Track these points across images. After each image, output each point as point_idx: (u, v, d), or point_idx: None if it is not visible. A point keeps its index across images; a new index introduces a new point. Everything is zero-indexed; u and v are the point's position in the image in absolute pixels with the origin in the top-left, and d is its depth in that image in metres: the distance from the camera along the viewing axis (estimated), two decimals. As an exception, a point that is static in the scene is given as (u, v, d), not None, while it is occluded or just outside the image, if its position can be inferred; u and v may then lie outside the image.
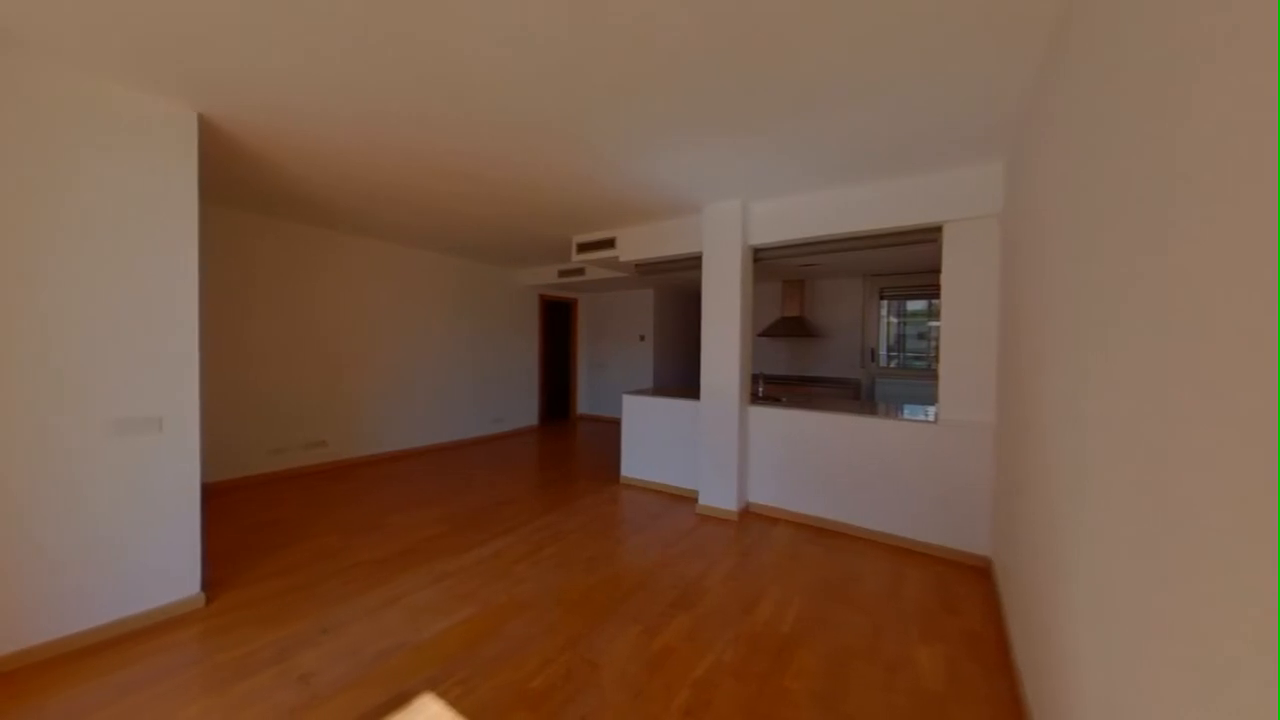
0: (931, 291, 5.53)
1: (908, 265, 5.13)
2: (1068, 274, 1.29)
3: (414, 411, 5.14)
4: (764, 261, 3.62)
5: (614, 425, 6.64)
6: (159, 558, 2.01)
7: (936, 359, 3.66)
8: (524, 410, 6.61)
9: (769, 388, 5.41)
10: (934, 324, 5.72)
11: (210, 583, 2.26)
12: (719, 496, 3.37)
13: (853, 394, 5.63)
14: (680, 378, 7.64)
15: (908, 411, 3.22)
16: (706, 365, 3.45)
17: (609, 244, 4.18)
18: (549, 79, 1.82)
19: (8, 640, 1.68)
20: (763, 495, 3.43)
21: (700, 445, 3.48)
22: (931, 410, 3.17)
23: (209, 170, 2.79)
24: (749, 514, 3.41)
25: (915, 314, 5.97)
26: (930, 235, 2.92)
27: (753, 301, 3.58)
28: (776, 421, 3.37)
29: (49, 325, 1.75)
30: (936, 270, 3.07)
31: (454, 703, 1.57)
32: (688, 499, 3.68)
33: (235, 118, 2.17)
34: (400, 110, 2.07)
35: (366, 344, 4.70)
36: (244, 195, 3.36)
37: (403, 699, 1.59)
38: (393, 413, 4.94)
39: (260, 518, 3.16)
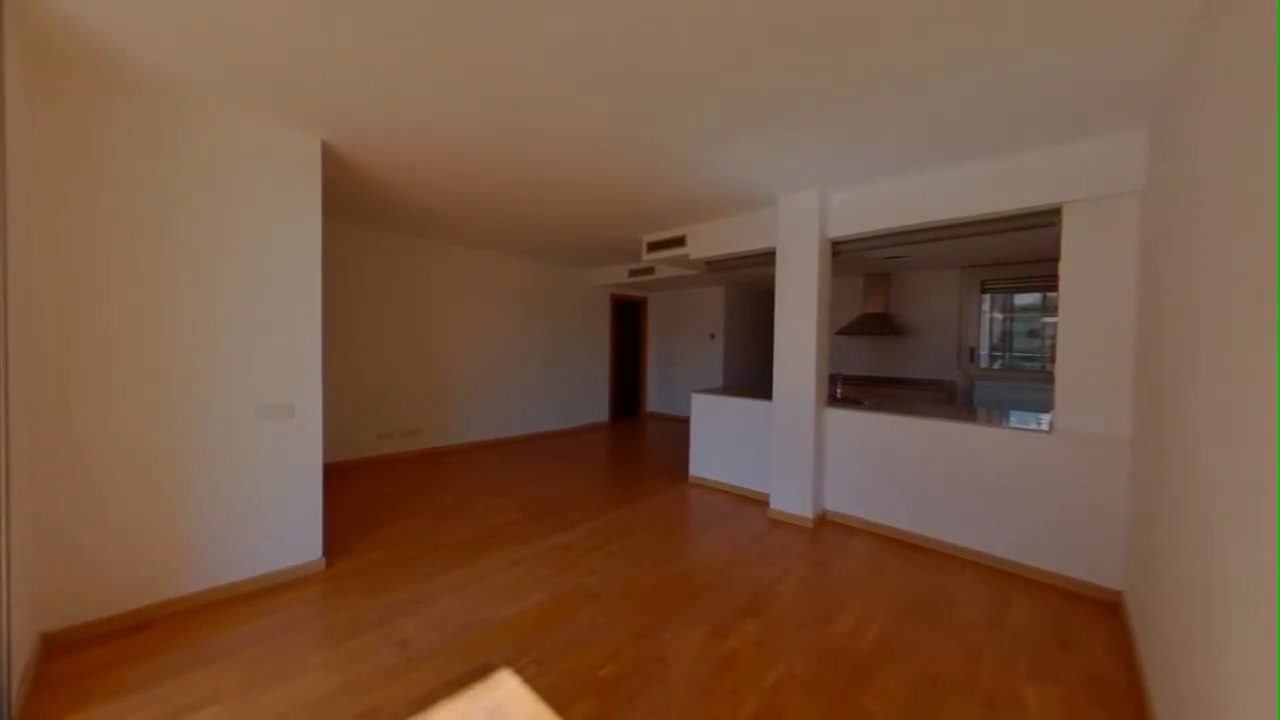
0: (1046, 283, 4.86)
1: (1016, 254, 4.55)
2: (1239, 261, 1.06)
3: (493, 405, 5.51)
4: (844, 255, 3.41)
5: (683, 424, 6.61)
6: (291, 525, 2.34)
7: (1052, 360, 3.22)
8: (595, 407, 6.81)
9: (848, 388, 5.08)
10: (1049, 320, 5.02)
11: (328, 550, 2.58)
12: (792, 501, 3.24)
13: (946, 397, 5.11)
14: (751, 377, 7.44)
15: (1015, 419, 2.86)
16: (780, 364, 3.32)
17: (679, 242, 4.16)
18: (617, 80, 1.85)
19: (179, 585, 2.05)
20: (840, 503, 3.23)
21: (772, 447, 3.36)
22: (1045, 418, 2.79)
23: (326, 189, 3.19)
24: (825, 521, 3.23)
25: (1025, 309, 5.29)
26: (1046, 219, 2.56)
27: (831, 297, 3.38)
28: (856, 425, 3.16)
29: (211, 327, 2.11)
30: (1052, 259, 2.70)
31: (529, 681, 1.66)
32: (758, 502, 3.57)
33: (348, 141, 2.46)
34: (479, 121, 2.22)
35: (453, 342, 5.12)
36: (352, 209, 3.80)
37: (483, 671, 1.71)
38: (475, 406, 5.32)
39: (367, 496, 3.56)
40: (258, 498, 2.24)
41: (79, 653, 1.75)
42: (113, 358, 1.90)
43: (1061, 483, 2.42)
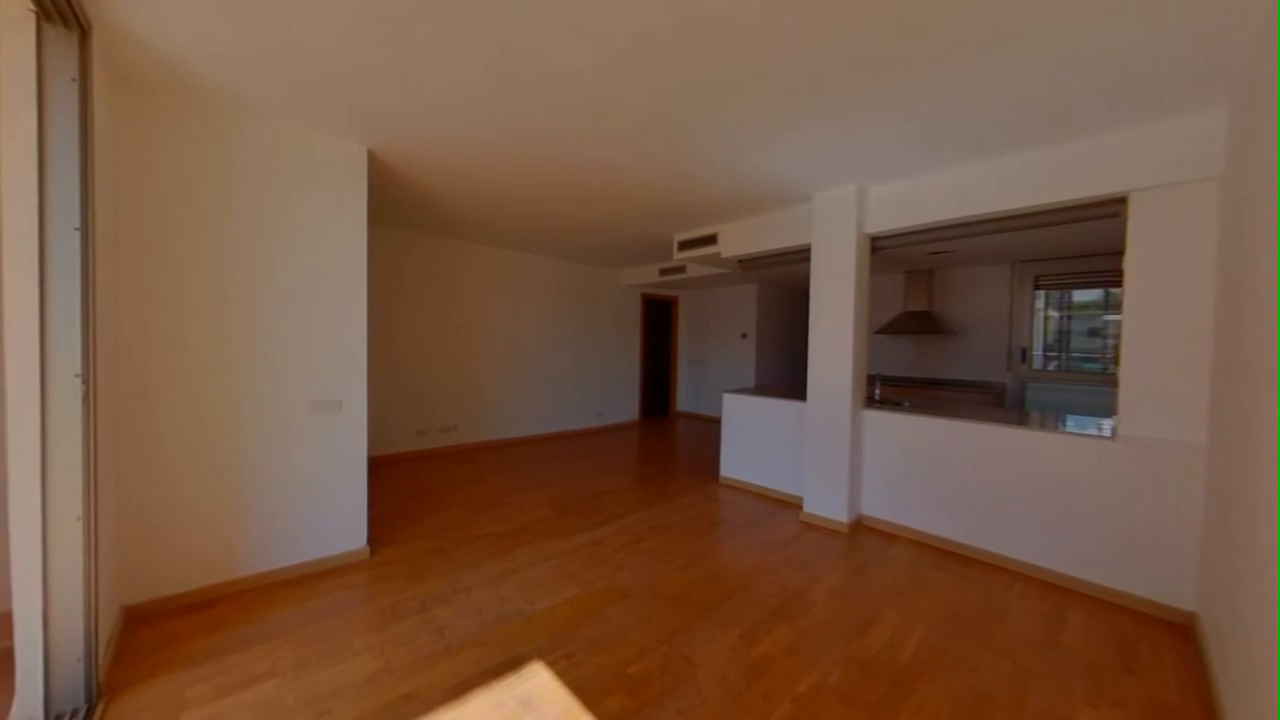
0: (1108, 278, 4.52)
1: (1075, 247, 4.25)
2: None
3: (525, 403, 5.63)
4: (883, 251, 3.29)
5: (713, 424, 6.55)
6: (339, 514, 2.47)
7: (1115, 361, 2.99)
8: (625, 406, 6.85)
9: (887, 390, 4.89)
10: (1112, 318, 4.67)
11: (372, 539, 2.71)
12: (826, 505, 3.15)
13: (995, 400, 4.84)
14: (785, 376, 7.28)
15: (1073, 424, 2.68)
16: (815, 364, 3.23)
17: (710, 240, 4.13)
18: (652, 79, 1.86)
19: (241, 567, 2.20)
20: (878, 508, 3.12)
21: (807, 449, 3.28)
22: (1107, 424, 2.60)
23: (370, 194, 3.35)
24: (861, 527, 3.13)
25: (1085, 306, 4.93)
26: (1110, 209, 2.39)
27: (869, 295, 3.27)
28: (896, 428, 3.05)
29: (268, 328, 2.25)
30: (1116, 252, 2.51)
31: (560, 674, 1.69)
32: (791, 505, 3.49)
33: (391, 149, 2.57)
34: (517, 127, 2.27)
35: (488, 341, 5.26)
36: (395, 214, 3.97)
37: (517, 662, 1.75)
38: (508, 403, 5.46)
39: (407, 489, 3.72)
40: (310, 488, 2.38)
41: (154, 625, 1.92)
42: (184, 359, 2.06)
43: (1125, 493, 2.25)
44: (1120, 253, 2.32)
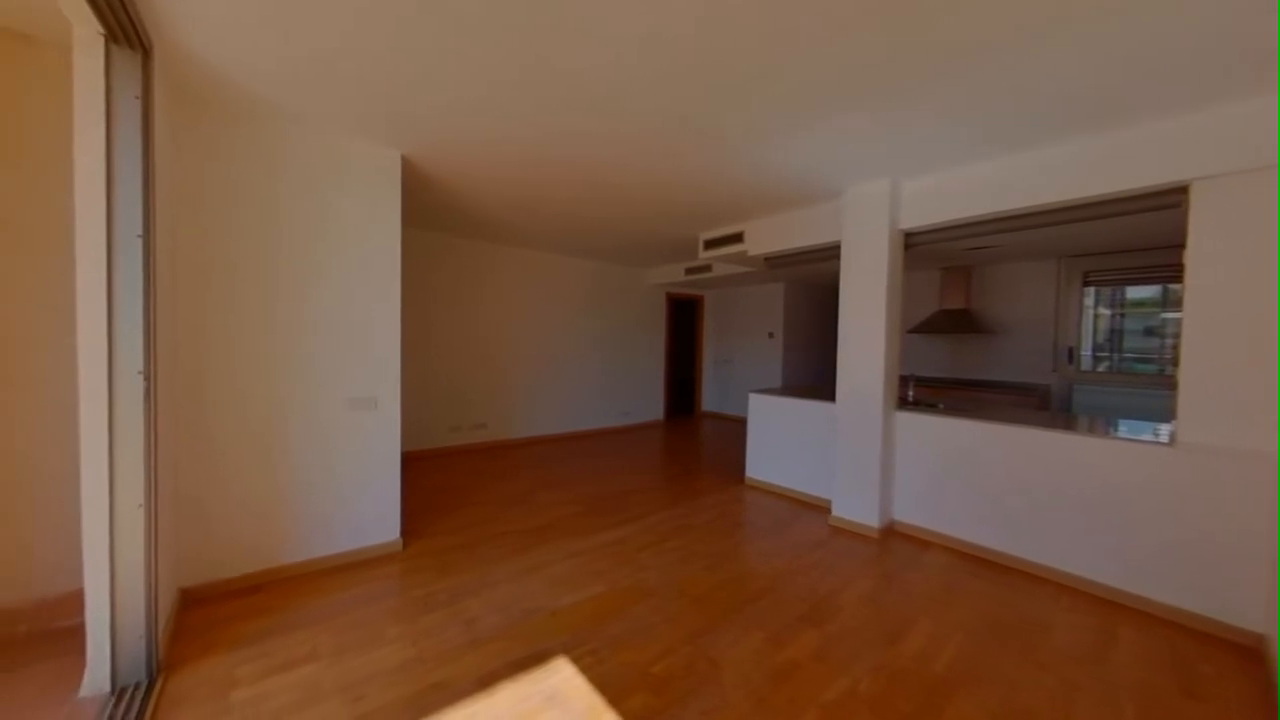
0: (1166, 273, 4.24)
1: (1128, 240, 4.00)
2: None
3: (552, 402, 5.70)
4: (917, 247, 3.17)
5: (739, 424, 6.48)
6: (375, 507, 2.57)
7: (1174, 362, 2.81)
8: (650, 405, 6.85)
9: (921, 391, 4.73)
10: (1170, 315, 4.37)
11: (405, 532, 2.80)
12: (857, 509, 3.07)
13: (1038, 403, 4.61)
14: (813, 377, 7.13)
15: (1125, 429, 2.53)
16: (844, 364, 3.16)
17: (737, 238, 4.08)
18: (678, 79, 1.85)
19: (286, 555, 2.32)
20: (911, 513, 3.02)
21: (836, 451, 3.20)
22: (1164, 429, 2.45)
23: (404, 199, 3.46)
24: (893, 532, 3.04)
25: (1140, 303, 4.62)
26: (1169, 199, 2.24)
27: (902, 293, 3.16)
28: (931, 430, 2.94)
29: (310, 329, 2.36)
30: (1175, 245, 2.35)
31: (584, 670, 1.71)
32: (819, 508, 3.42)
33: (424, 155, 2.66)
34: (544, 130, 2.31)
35: (516, 341, 5.36)
36: (426, 217, 4.09)
37: (542, 656, 1.78)
38: (535, 402, 5.55)
39: (438, 484, 3.83)
40: (348, 481, 2.48)
41: (207, 607, 2.04)
42: (234, 358, 2.18)
43: (1184, 503, 2.11)
44: (1180, 245, 2.17)
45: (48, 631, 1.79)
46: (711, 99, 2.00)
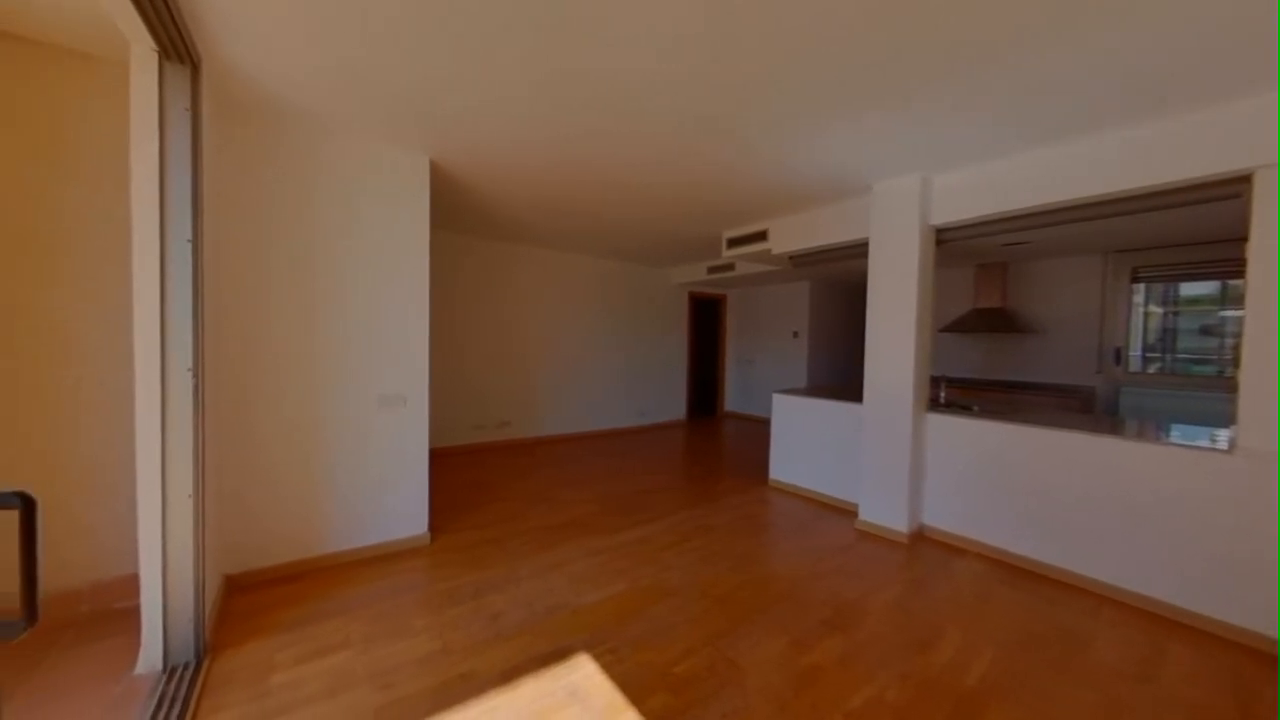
0: (1225, 268, 3.97)
1: (1181, 234, 3.76)
2: None
3: (575, 401, 5.76)
4: (950, 244, 3.07)
5: (762, 424, 6.40)
6: (404, 501, 2.64)
7: (1234, 363, 2.63)
8: (672, 405, 6.84)
9: (954, 392, 4.57)
10: (1230, 313, 4.09)
11: (432, 526, 2.88)
12: (884, 513, 2.99)
13: (1081, 405, 4.39)
14: (839, 377, 6.98)
15: (1178, 434, 2.38)
16: (872, 365, 3.08)
17: (760, 237, 4.03)
18: (698, 79, 1.84)
19: (322, 546, 2.41)
20: (942, 518, 2.92)
21: (863, 453, 3.13)
22: (1222, 434, 2.29)
23: (431, 201, 3.54)
24: (922, 538, 2.94)
25: (1196, 300, 4.34)
26: (1228, 189, 2.10)
27: (934, 291, 3.06)
28: (964, 433, 2.84)
29: (344, 329, 2.45)
30: (1235, 239, 2.20)
31: (606, 668, 1.72)
32: (845, 511, 3.35)
33: (451, 159, 2.72)
34: (566, 132, 2.33)
35: (539, 340, 5.43)
36: (453, 219, 4.18)
37: (564, 653, 1.80)
38: (558, 401, 5.61)
39: (464, 480, 3.92)
40: (379, 476, 2.56)
41: (249, 594, 2.14)
42: (275, 358, 2.28)
43: (1243, 514, 1.97)
44: (1241, 239, 2.03)
45: (106, 612, 1.92)
46: (734, 97, 1.97)
